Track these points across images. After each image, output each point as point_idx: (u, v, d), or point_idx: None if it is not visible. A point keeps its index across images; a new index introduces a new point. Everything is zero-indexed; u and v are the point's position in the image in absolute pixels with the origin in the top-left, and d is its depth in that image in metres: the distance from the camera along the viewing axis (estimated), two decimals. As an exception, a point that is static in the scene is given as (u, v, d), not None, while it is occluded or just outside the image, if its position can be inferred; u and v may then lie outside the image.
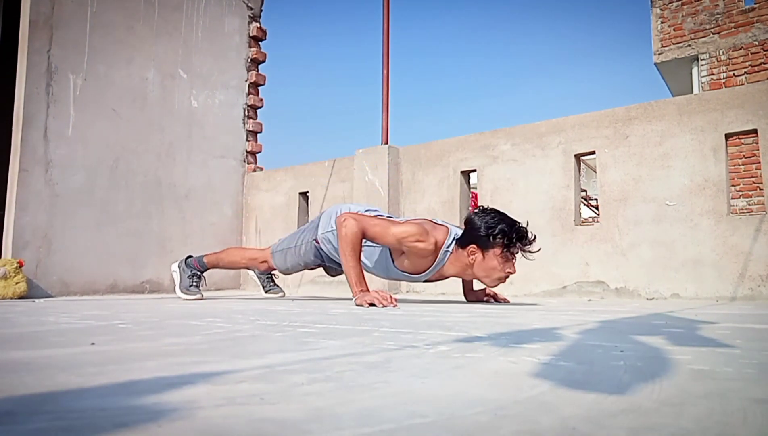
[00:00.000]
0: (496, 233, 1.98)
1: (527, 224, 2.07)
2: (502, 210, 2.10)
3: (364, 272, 2.11)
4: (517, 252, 2.03)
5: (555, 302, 2.36)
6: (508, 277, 2.06)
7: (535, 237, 2.05)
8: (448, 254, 2.11)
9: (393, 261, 2.18)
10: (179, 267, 2.63)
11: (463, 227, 2.11)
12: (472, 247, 2.03)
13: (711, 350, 0.84)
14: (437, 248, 2.08)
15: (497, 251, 2.00)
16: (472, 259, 2.04)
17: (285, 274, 2.59)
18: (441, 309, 1.85)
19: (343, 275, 2.35)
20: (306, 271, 2.65)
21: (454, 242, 2.11)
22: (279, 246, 2.54)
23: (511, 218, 2.05)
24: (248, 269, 2.66)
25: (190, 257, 2.66)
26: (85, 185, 3.28)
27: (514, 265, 2.05)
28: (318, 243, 2.39)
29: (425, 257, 2.09)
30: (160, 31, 3.72)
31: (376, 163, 3.39)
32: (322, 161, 3.86)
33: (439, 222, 2.19)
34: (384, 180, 3.34)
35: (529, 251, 2.03)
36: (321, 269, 2.53)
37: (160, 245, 3.63)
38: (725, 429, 0.42)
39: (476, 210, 2.10)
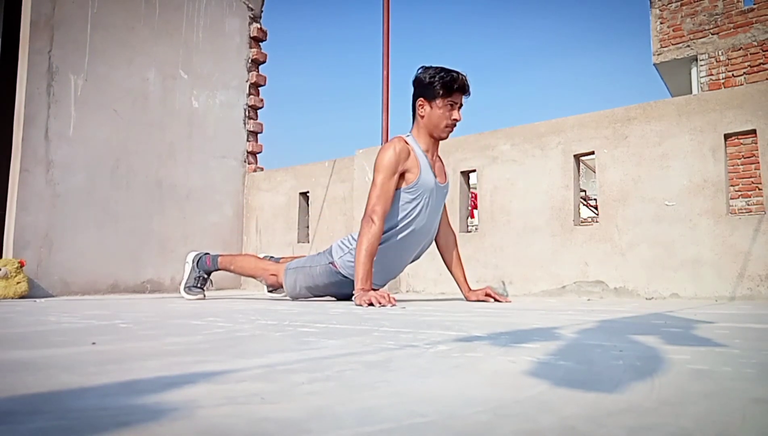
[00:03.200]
0: (433, 75, 2.15)
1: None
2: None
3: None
4: (457, 92, 2.18)
5: (554, 301, 2.36)
6: (455, 124, 2.21)
7: (465, 79, 2.19)
8: (411, 135, 2.27)
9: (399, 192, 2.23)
10: (194, 261, 2.62)
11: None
12: (420, 100, 2.21)
13: (710, 350, 0.84)
14: (404, 141, 2.23)
15: (440, 100, 2.17)
16: (422, 113, 2.21)
17: (291, 296, 2.49)
18: (441, 309, 1.85)
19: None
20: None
21: (410, 131, 2.30)
22: (293, 264, 2.48)
23: (449, 69, 2.19)
24: (254, 277, 2.62)
25: (206, 254, 2.64)
26: (86, 185, 3.28)
27: (459, 112, 2.21)
28: (336, 267, 2.33)
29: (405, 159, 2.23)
30: (161, 32, 3.73)
31: (376, 164, 3.38)
32: (322, 161, 3.86)
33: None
34: (384, 180, 3.34)
35: (466, 92, 2.20)
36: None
37: (160, 245, 3.63)
38: (724, 429, 0.43)
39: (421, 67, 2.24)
